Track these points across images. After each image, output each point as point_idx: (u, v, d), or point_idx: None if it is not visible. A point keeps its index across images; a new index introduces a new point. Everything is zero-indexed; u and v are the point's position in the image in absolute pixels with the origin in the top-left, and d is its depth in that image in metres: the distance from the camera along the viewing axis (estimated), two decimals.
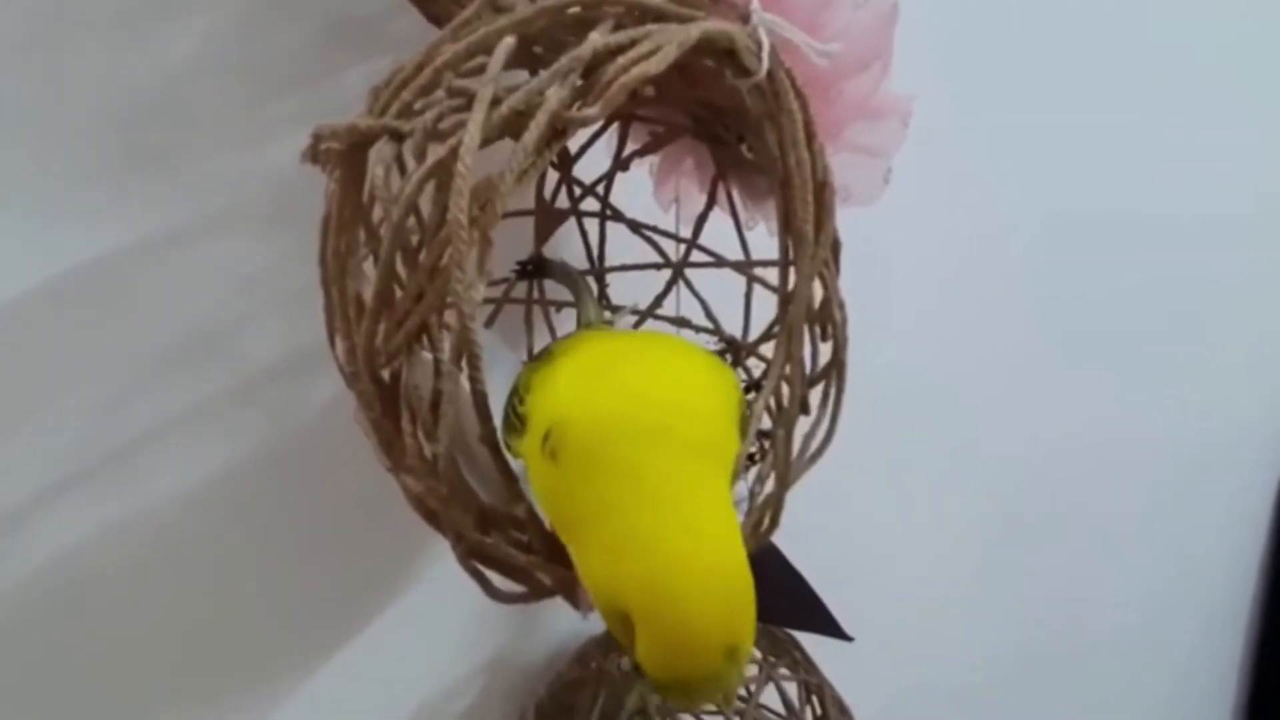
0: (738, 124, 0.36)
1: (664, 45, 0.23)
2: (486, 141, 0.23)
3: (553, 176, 0.43)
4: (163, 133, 0.38)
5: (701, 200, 0.42)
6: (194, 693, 0.41)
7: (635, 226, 0.44)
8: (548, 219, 0.43)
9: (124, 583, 0.39)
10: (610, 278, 0.45)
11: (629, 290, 0.45)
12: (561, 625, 0.52)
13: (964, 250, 0.71)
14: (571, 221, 0.44)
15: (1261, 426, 1.08)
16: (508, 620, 0.50)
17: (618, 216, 0.44)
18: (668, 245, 0.43)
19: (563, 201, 0.43)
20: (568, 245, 0.44)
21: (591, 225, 0.44)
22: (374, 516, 0.44)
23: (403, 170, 0.24)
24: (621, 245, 0.44)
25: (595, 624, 0.50)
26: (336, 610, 0.45)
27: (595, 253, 0.44)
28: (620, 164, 0.42)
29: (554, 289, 0.45)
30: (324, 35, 0.40)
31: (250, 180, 0.39)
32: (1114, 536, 0.92)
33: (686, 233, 0.43)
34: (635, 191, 0.43)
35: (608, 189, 0.43)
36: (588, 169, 0.43)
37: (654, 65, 0.23)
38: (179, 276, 0.39)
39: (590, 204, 0.44)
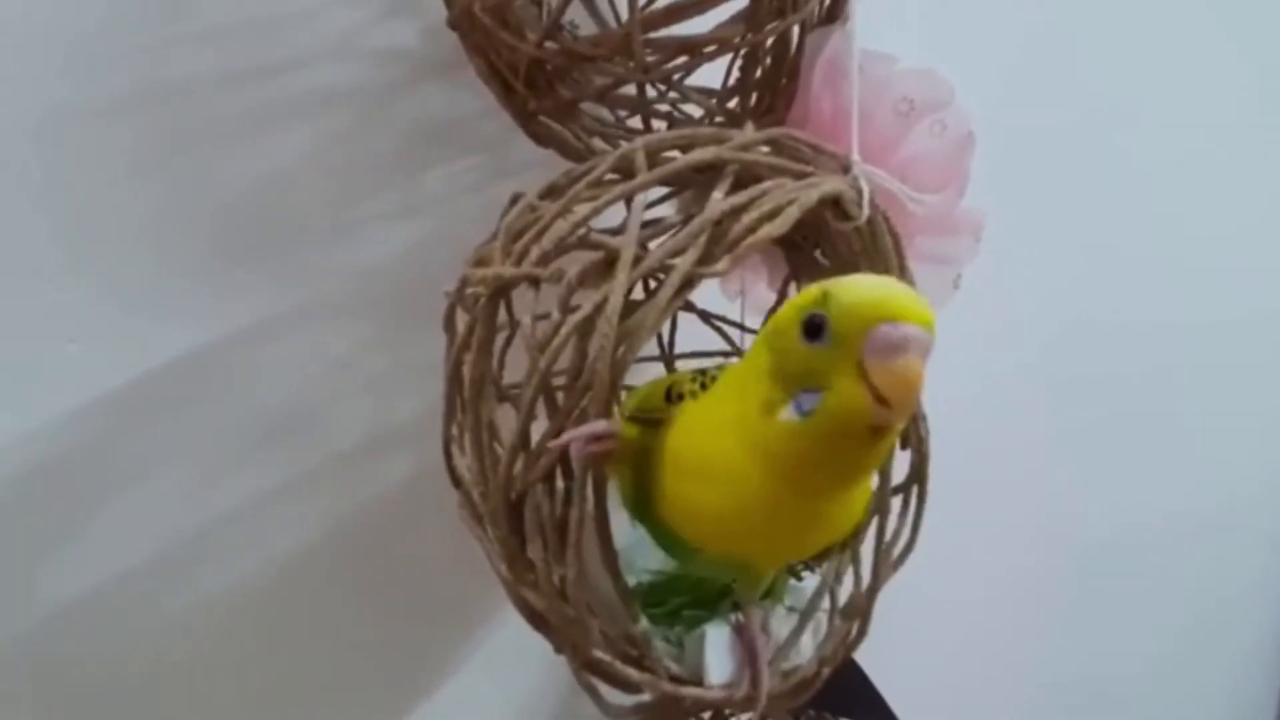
0: (814, 232, 0.38)
1: (785, 207, 0.25)
2: None
3: None
4: (258, 232, 0.40)
5: (766, 293, 0.44)
6: None
7: (706, 316, 0.45)
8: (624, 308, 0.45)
9: (211, 646, 0.41)
10: (679, 364, 0.47)
11: None
12: (616, 700, 0.53)
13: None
14: None
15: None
16: (559, 699, 0.51)
17: (689, 307, 0.46)
18: (735, 335, 0.45)
19: (638, 292, 0.45)
20: None
21: None
22: (434, 597, 0.46)
23: None
24: (691, 334, 0.46)
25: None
26: (398, 683, 0.46)
27: (666, 339, 0.46)
28: None
29: None
30: (414, 138, 0.43)
31: (335, 274, 0.42)
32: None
33: (751, 323, 0.45)
34: (705, 284, 0.45)
35: None
36: None
37: (779, 227, 0.25)
38: (270, 363, 0.41)
39: None
